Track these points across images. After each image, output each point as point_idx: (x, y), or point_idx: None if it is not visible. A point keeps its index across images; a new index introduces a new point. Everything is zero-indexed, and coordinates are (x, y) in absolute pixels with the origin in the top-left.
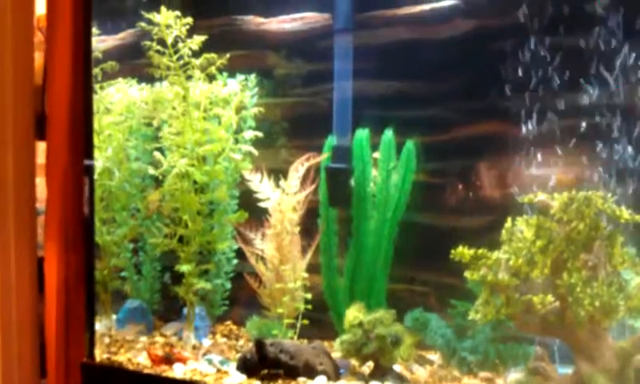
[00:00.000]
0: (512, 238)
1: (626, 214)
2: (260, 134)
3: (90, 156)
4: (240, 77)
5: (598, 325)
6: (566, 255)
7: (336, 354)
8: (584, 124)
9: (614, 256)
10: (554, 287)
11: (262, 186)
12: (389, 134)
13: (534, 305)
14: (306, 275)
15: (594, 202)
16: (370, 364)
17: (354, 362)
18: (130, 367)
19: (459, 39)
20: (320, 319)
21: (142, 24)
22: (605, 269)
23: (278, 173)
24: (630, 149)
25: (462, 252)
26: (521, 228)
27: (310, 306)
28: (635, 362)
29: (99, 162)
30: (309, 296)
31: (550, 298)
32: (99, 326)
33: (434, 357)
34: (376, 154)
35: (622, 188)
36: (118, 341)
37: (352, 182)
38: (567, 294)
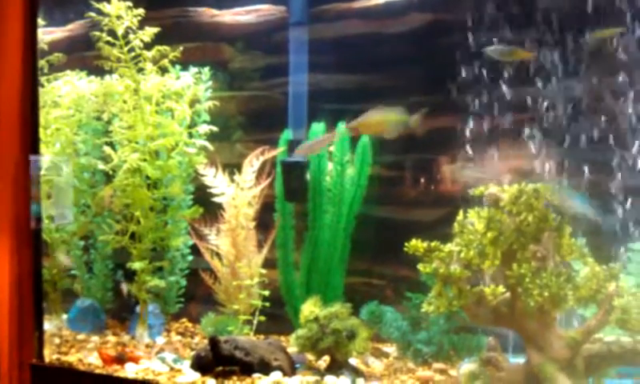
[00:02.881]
0: (464, 230)
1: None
2: (215, 128)
3: (37, 151)
4: (193, 69)
5: (547, 314)
6: (516, 246)
7: (292, 349)
8: (538, 118)
9: (563, 247)
10: (505, 278)
11: (216, 180)
12: (342, 127)
13: (486, 296)
14: (264, 271)
15: (543, 194)
16: (326, 358)
17: (310, 356)
18: (81, 367)
19: (414, 33)
20: (277, 314)
21: (92, 14)
22: (553, 259)
23: (233, 167)
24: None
25: (416, 245)
26: (472, 220)
27: (267, 303)
28: (585, 351)
29: (46, 156)
30: (266, 293)
31: (501, 289)
32: (49, 325)
33: (391, 349)
34: (332, 148)
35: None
36: (68, 341)
37: (308, 176)
38: (517, 285)
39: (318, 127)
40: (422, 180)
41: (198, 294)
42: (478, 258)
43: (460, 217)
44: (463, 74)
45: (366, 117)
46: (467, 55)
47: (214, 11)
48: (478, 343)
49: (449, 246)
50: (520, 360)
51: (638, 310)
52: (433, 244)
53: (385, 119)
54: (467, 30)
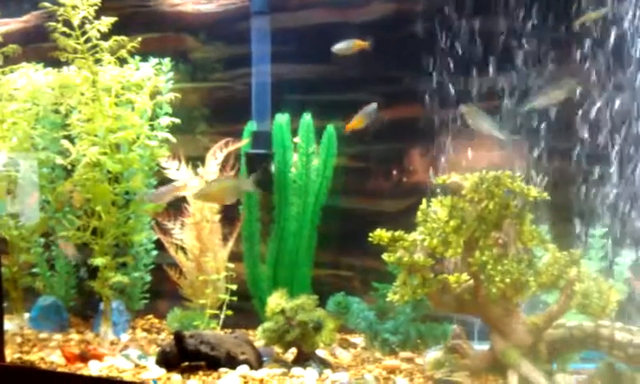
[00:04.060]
0: (427, 219)
1: (534, 191)
2: (177, 120)
3: None
4: (154, 61)
5: (509, 301)
6: (478, 234)
7: (260, 343)
8: (505, 107)
9: (524, 233)
10: (468, 266)
11: (179, 173)
12: (307, 117)
13: (450, 284)
14: (232, 266)
15: (503, 181)
16: (294, 350)
17: (277, 349)
18: (43, 366)
19: (379, 23)
20: (244, 308)
21: (46, 4)
22: (515, 246)
23: (197, 160)
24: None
25: (380, 234)
26: (435, 209)
27: (234, 297)
28: (548, 336)
29: (3, 152)
30: (234, 287)
31: (464, 276)
32: (11, 325)
33: (359, 340)
34: (297, 139)
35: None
36: (30, 340)
37: (273, 168)
38: (479, 272)
39: (282, 118)
40: (388, 170)
41: (163, 289)
42: (442, 246)
43: (423, 205)
44: (426, 63)
45: (207, 188)
46: (432, 44)
47: (175, 0)
48: (445, 331)
49: (413, 235)
50: (484, 346)
51: (598, 295)
52: (397, 233)
53: (222, 188)
54: (431, 18)
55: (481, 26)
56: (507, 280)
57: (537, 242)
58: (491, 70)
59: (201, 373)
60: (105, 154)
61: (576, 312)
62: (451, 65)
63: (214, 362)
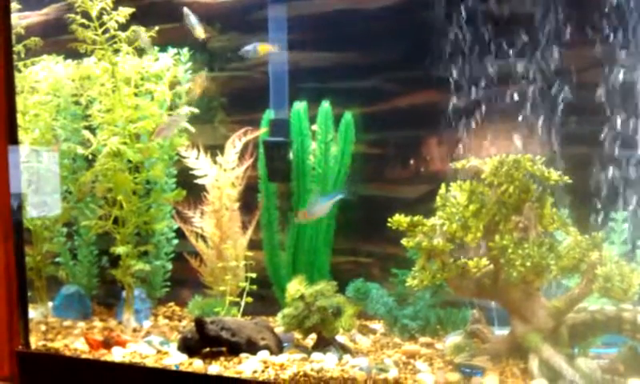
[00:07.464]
0: (446, 203)
1: (554, 175)
2: (196, 110)
3: (15, 138)
4: (172, 51)
5: (530, 285)
6: (498, 218)
7: (280, 329)
8: (521, 92)
9: (545, 217)
10: (488, 250)
11: (199, 162)
12: (325, 105)
13: (469, 268)
14: (250, 254)
15: (523, 165)
16: (314, 336)
17: (297, 335)
18: (67, 353)
19: (396, 8)
20: (264, 295)
21: None
22: (535, 230)
23: (216, 149)
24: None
25: (399, 220)
26: (454, 193)
27: (254, 286)
28: (569, 320)
29: (26, 143)
30: (254, 275)
31: (484, 261)
32: (35, 313)
33: (379, 326)
34: (315, 127)
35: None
36: (54, 328)
37: (291, 156)
38: (500, 256)
39: (300, 106)
40: (406, 157)
41: (184, 277)
42: (461, 230)
43: (442, 190)
44: (443, 49)
45: None
46: (447, 30)
47: None
48: (464, 316)
49: (432, 220)
50: (504, 331)
51: (620, 278)
52: (416, 218)
53: None
54: (446, 3)
55: (499, 10)
56: (528, 264)
57: (557, 225)
58: (509, 54)
59: (222, 358)
60: (125, 143)
61: (598, 296)
62: (468, 50)
63: (234, 348)
